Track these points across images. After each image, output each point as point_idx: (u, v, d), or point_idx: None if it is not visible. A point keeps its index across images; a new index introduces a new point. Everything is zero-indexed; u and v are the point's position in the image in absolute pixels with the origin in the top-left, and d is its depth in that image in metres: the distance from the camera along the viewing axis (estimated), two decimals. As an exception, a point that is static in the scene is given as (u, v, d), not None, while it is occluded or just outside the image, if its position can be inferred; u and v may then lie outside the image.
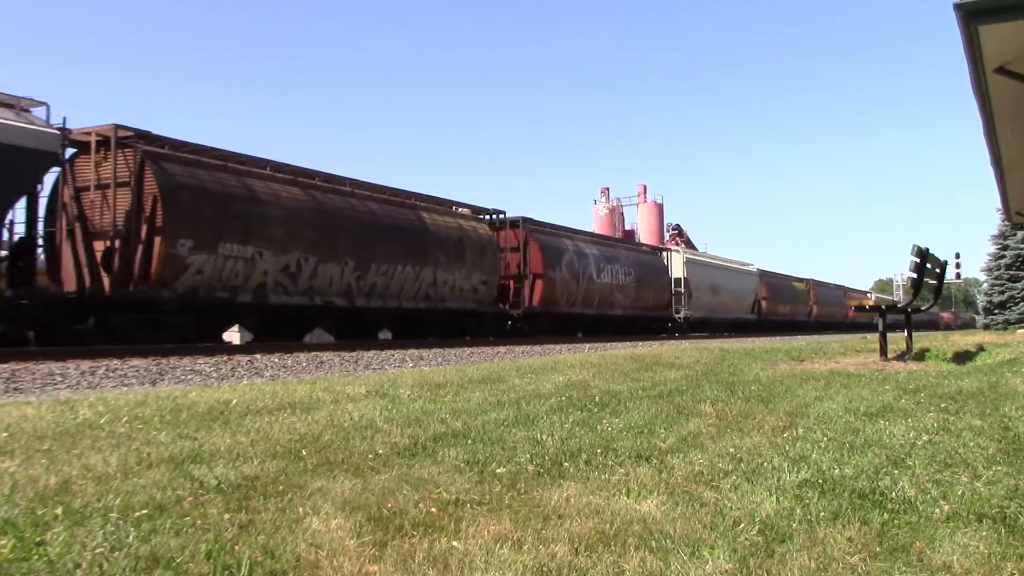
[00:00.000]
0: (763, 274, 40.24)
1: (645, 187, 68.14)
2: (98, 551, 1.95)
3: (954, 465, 3.03)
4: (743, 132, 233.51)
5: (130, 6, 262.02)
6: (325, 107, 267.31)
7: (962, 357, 10.61)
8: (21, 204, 12.07)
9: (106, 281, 12.41)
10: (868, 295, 61.19)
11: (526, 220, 21.99)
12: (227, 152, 14.66)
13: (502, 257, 20.91)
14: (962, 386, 5.77)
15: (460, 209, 20.36)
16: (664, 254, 31.03)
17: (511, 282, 21.40)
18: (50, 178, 12.68)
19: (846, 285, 58.29)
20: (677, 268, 30.28)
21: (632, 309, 26.47)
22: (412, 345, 14.64)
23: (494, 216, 21.46)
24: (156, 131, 13.41)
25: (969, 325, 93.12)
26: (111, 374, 7.86)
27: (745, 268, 38.35)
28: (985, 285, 40.91)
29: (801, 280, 46.65)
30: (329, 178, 16.56)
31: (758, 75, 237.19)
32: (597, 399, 5.10)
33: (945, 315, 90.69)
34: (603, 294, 24.50)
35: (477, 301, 19.64)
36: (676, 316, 29.58)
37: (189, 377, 7.86)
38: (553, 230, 23.65)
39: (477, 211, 21.22)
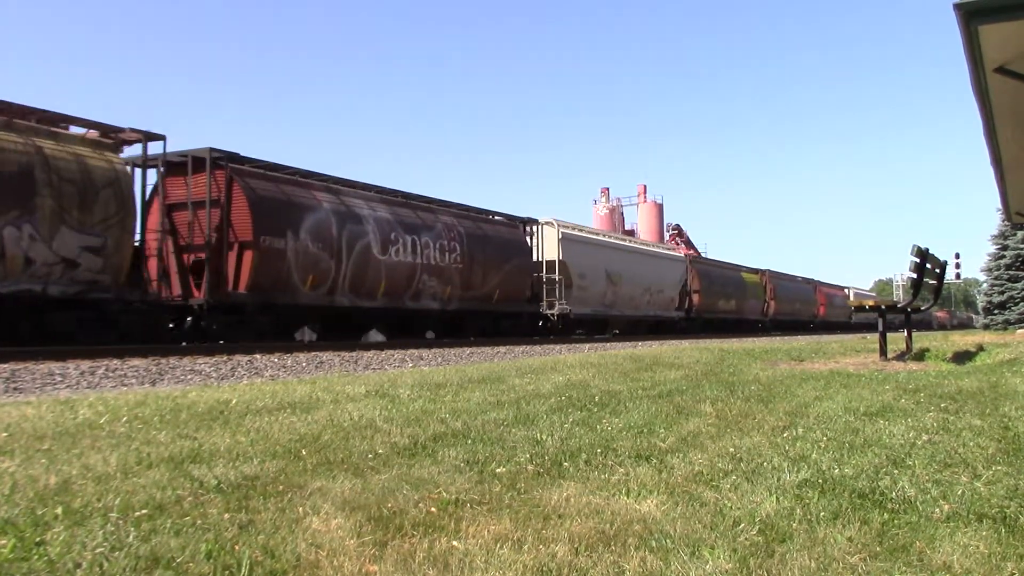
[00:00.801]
0: (696, 261, 34.20)
1: (645, 187, 68.28)
2: (98, 551, 1.95)
3: (954, 465, 3.03)
4: (744, 132, 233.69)
5: (130, 5, 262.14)
6: (324, 107, 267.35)
7: (962, 357, 10.61)
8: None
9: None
10: (846, 291, 54.34)
11: (231, 157, 14.33)
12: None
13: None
14: (962, 386, 5.77)
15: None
16: (529, 227, 22.45)
17: (194, 256, 14.28)
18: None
19: (817, 278, 50.06)
20: (550, 248, 22.76)
21: (463, 301, 19.10)
22: (412, 345, 14.68)
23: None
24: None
25: (966, 325, 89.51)
26: (111, 374, 7.86)
27: (667, 253, 32.94)
28: (985, 285, 40.91)
29: (754, 270, 39.64)
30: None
31: (758, 75, 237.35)
32: (597, 399, 5.10)
33: (939, 314, 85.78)
34: (395, 278, 17.01)
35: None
36: (548, 312, 22.50)
37: (189, 377, 7.86)
38: (288, 175, 15.67)
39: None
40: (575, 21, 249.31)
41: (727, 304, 35.03)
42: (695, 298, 32.12)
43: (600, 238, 28.34)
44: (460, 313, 19.35)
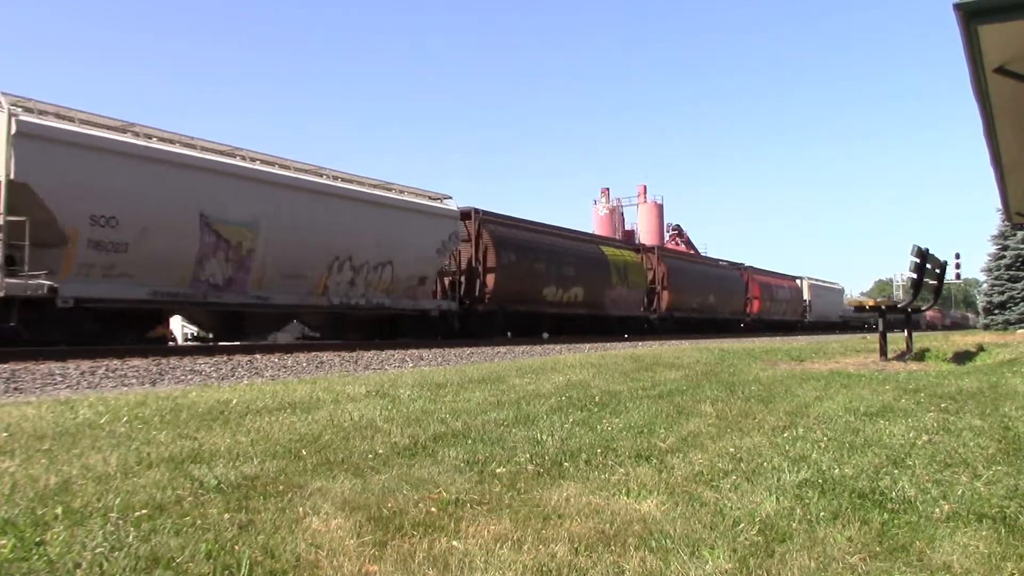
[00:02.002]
0: (487, 221, 19.99)
1: (645, 187, 68.19)
2: (98, 551, 1.95)
3: (954, 465, 3.03)
4: (743, 132, 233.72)
5: (132, 5, 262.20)
6: (323, 106, 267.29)
7: (962, 357, 10.61)
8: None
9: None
10: (797, 281, 44.45)
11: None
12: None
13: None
14: (962, 386, 5.77)
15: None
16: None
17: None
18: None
19: (748, 264, 38.08)
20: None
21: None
22: (412, 345, 14.70)
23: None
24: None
25: (960, 324, 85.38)
26: (111, 374, 7.86)
27: (433, 205, 18.32)
28: (985, 285, 40.89)
29: (634, 247, 29.65)
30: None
31: (758, 75, 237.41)
32: (597, 399, 5.10)
33: (930, 313, 73.60)
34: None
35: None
36: None
37: (189, 377, 7.86)
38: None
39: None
40: (575, 21, 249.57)
41: (560, 293, 22.00)
42: (490, 280, 19.55)
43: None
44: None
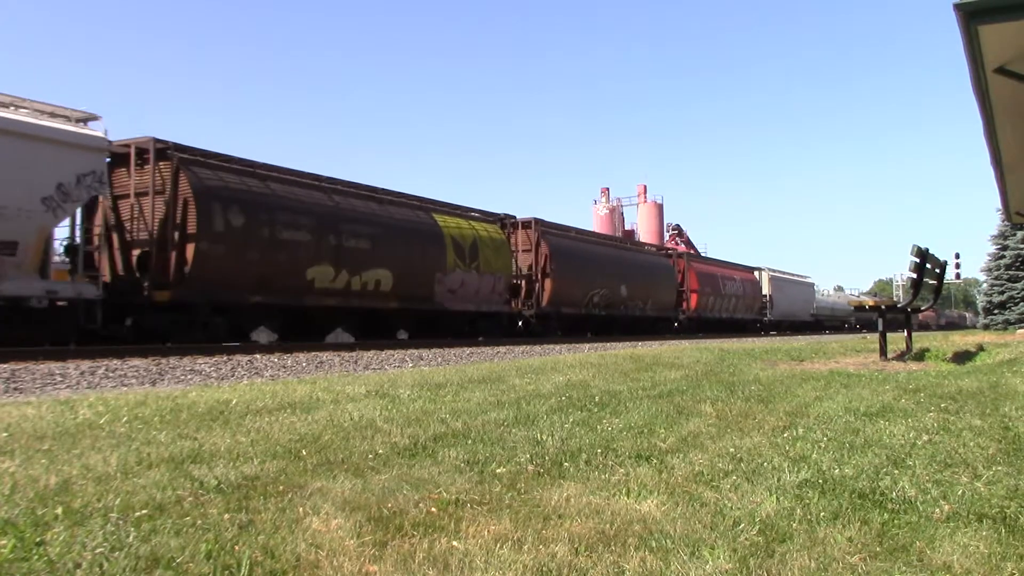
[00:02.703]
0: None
1: (645, 187, 68.16)
2: (98, 551, 1.95)
3: (954, 465, 3.03)
4: (743, 132, 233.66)
5: (131, 4, 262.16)
6: (322, 105, 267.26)
7: (962, 357, 10.61)
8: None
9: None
10: (755, 273, 38.47)
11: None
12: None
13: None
14: (962, 386, 5.77)
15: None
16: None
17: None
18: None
19: (666, 247, 33.37)
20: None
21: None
22: (412, 345, 14.68)
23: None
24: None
25: (956, 324, 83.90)
26: (111, 374, 7.85)
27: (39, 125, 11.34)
28: (985, 285, 40.87)
29: (496, 218, 21.57)
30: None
31: (758, 75, 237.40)
32: (597, 399, 5.09)
33: (922, 313, 74.20)
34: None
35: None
36: None
37: (189, 377, 7.86)
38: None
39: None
40: (575, 21, 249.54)
41: (346, 276, 15.51)
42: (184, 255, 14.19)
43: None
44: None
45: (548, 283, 22.19)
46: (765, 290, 38.87)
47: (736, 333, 31.82)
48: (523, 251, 22.45)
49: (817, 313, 46.74)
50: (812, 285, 48.67)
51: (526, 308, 21.98)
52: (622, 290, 25.93)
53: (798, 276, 46.14)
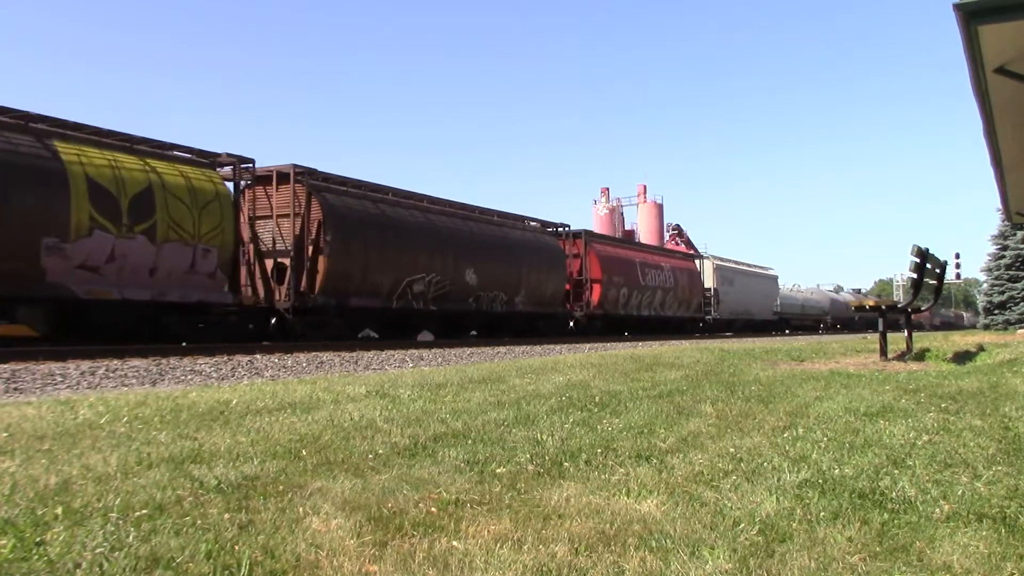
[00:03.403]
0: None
1: (645, 187, 68.21)
2: (98, 551, 1.95)
3: (954, 465, 3.03)
4: (743, 132, 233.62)
5: (131, 3, 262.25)
6: (321, 105, 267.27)
7: (962, 357, 10.61)
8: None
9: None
10: (695, 262, 32.92)
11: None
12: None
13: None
14: (962, 386, 5.77)
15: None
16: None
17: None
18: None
19: (555, 223, 24.53)
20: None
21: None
22: (412, 345, 14.71)
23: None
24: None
25: (952, 324, 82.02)
26: (111, 374, 7.86)
27: None
28: (985, 285, 40.88)
29: (203, 161, 13.91)
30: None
31: (758, 75, 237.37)
32: (597, 399, 5.09)
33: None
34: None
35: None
36: None
37: (189, 377, 7.86)
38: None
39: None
40: (575, 21, 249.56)
41: None
42: None
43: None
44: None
45: (321, 262, 15.62)
46: (708, 282, 32.65)
47: (666, 335, 26.02)
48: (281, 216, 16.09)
49: (782, 311, 41.12)
50: (775, 279, 42.57)
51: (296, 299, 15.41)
52: (468, 276, 19.34)
53: (757, 268, 40.26)
